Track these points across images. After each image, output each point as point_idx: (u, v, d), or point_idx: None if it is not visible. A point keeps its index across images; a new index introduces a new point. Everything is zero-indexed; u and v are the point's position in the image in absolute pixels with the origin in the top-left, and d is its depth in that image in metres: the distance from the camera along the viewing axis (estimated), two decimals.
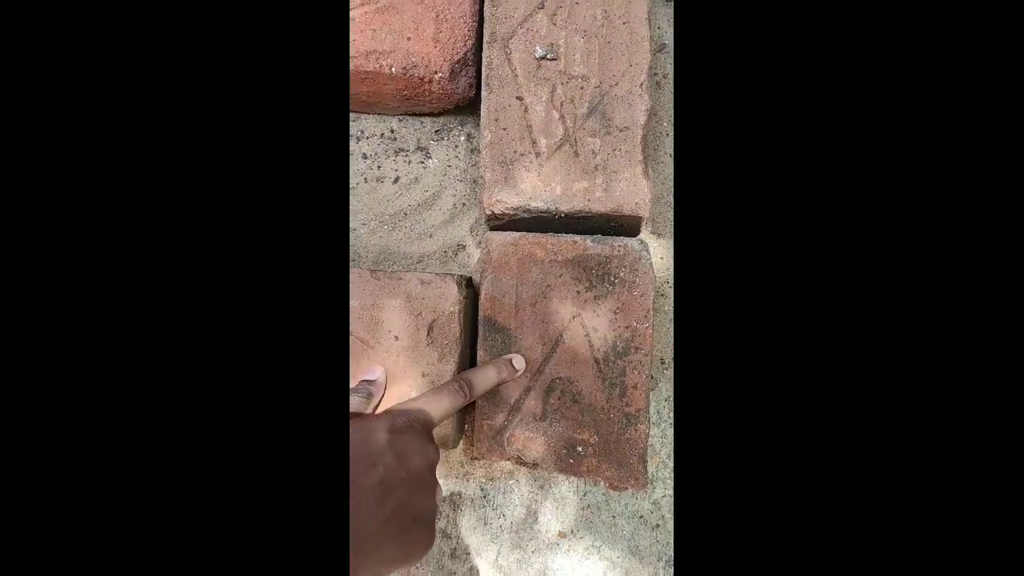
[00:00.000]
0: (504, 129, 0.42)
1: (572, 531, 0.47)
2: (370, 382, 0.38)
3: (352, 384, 0.38)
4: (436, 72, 0.44)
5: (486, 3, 0.43)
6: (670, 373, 0.49)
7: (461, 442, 0.46)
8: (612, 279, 0.40)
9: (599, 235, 0.41)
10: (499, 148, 0.41)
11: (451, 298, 0.41)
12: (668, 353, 0.49)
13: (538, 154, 0.41)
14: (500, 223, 0.44)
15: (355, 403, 0.35)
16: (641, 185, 0.41)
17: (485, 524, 0.48)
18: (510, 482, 0.48)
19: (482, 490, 0.48)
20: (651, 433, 0.47)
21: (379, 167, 0.51)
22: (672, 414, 0.49)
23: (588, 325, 0.40)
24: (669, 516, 0.48)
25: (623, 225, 0.43)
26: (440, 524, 0.48)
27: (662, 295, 0.50)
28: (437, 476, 0.31)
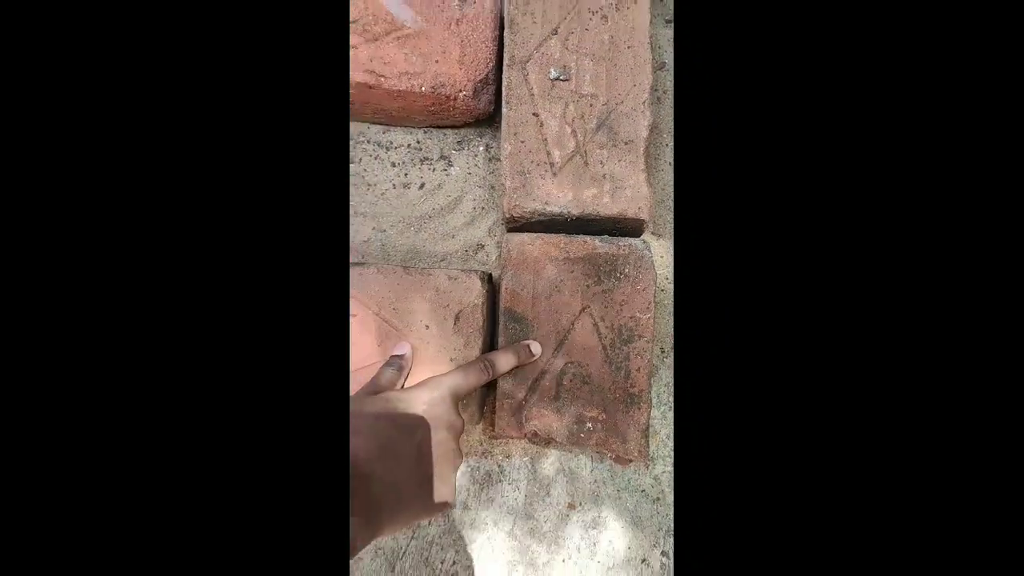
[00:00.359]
0: (522, 142, 0.47)
1: (581, 503, 0.52)
2: (400, 356, 0.43)
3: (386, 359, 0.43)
4: (461, 90, 0.49)
5: (506, 30, 0.49)
6: (670, 361, 0.54)
7: (481, 424, 0.51)
8: (618, 275, 0.45)
9: (606, 236, 0.47)
10: (518, 159, 0.47)
11: (475, 292, 0.46)
12: (668, 343, 0.54)
13: (552, 164, 0.47)
14: (518, 225, 0.49)
15: (389, 374, 0.40)
16: (643, 192, 0.46)
17: (502, 497, 0.53)
18: (524, 459, 0.53)
19: (499, 467, 0.53)
20: (652, 415, 0.52)
21: (406, 174, 0.57)
22: (671, 398, 0.54)
23: (596, 315, 0.45)
24: (668, 491, 0.53)
25: (627, 227, 0.48)
26: (461, 497, 0.53)
27: (662, 290, 0.55)
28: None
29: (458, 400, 0.37)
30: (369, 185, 0.56)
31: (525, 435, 0.45)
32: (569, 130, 0.47)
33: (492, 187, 0.56)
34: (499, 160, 0.56)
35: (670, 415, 0.54)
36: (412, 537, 0.52)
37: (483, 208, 0.56)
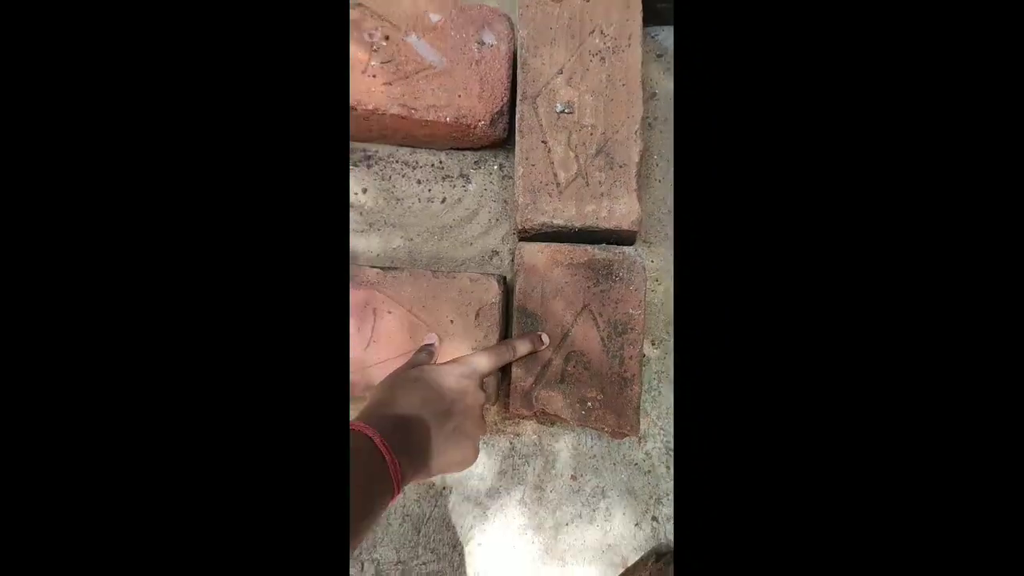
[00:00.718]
0: (533, 165, 0.55)
1: (582, 475, 0.61)
2: (430, 345, 0.51)
3: (417, 348, 0.51)
4: (480, 120, 0.58)
5: (518, 70, 0.57)
6: (659, 352, 0.62)
7: (496, 406, 0.60)
8: (614, 278, 0.53)
9: (604, 244, 0.55)
10: (529, 180, 0.55)
11: (492, 292, 0.54)
12: (657, 335, 0.63)
13: (558, 184, 0.55)
14: (528, 236, 0.57)
15: (422, 357, 0.47)
16: (635, 207, 0.55)
17: (513, 470, 0.61)
18: (533, 437, 0.61)
19: (511, 444, 0.61)
20: (643, 398, 0.60)
21: (430, 190, 0.65)
22: (660, 383, 0.62)
23: (596, 312, 0.53)
24: (658, 464, 0.61)
25: (622, 237, 0.57)
26: (478, 470, 0.61)
27: (651, 290, 0.63)
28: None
29: (482, 377, 0.44)
30: (398, 199, 0.64)
31: (535, 414, 0.53)
32: (572, 155, 0.55)
33: (505, 201, 0.65)
34: (511, 178, 0.64)
35: (659, 398, 0.62)
36: (435, 505, 0.60)
37: (497, 219, 0.65)
